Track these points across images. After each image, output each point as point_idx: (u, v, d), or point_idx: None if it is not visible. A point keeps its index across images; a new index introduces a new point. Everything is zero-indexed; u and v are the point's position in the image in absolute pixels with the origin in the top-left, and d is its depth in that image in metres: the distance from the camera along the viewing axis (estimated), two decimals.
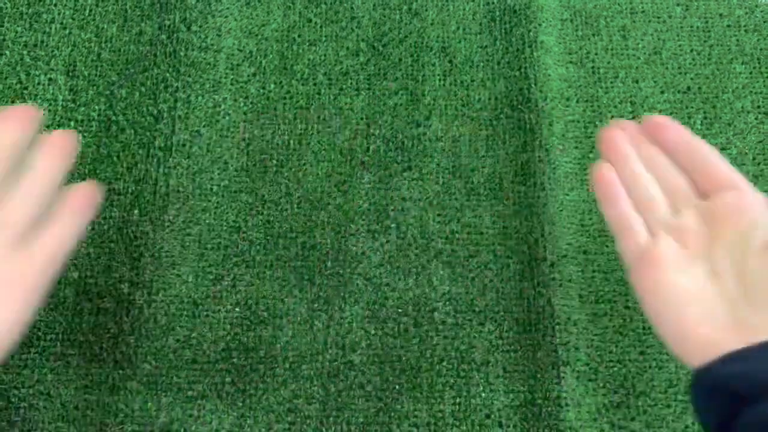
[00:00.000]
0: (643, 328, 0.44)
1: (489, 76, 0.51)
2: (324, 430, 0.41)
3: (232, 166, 0.47)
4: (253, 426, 0.41)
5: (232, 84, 0.50)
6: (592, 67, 0.52)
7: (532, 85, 0.50)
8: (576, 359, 0.43)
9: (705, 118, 0.51)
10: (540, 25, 0.52)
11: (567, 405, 0.42)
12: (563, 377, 0.43)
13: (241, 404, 0.42)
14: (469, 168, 0.48)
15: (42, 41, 0.49)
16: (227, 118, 0.49)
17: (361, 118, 0.49)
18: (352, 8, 0.53)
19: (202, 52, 0.50)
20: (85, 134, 0.47)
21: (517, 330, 0.44)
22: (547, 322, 0.44)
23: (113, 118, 0.48)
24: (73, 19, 0.50)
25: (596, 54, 0.53)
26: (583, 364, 0.43)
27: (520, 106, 0.50)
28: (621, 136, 0.32)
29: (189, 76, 0.49)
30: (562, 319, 0.44)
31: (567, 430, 0.41)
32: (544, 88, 0.50)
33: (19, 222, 0.28)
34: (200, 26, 0.51)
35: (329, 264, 0.45)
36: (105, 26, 0.50)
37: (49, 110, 0.48)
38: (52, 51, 0.49)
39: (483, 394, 0.42)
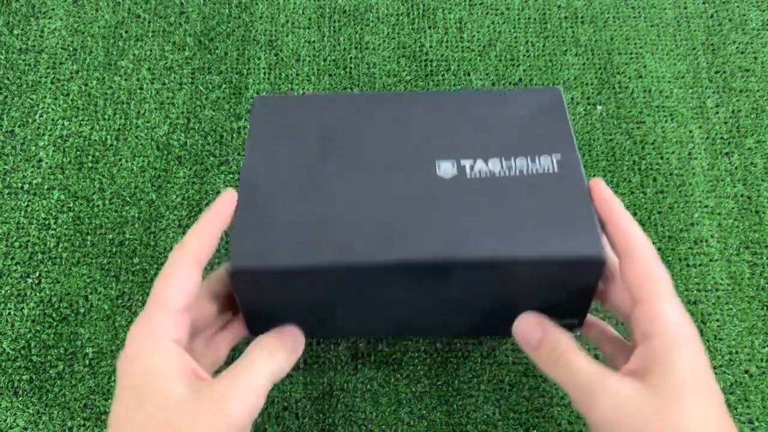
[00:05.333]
0: None
1: (314, 71, 0.51)
2: None
3: (46, 163, 0.47)
4: (48, 423, 0.41)
5: (52, 83, 0.49)
6: (425, 61, 0.52)
7: (354, 86, 0.50)
8: (377, 351, 0.43)
9: None
10: (367, 25, 0.52)
11: (364, 395, 0.42)
12: (361, 368, 0.43)
13: (37, 401, 0.42)
14: None
15: None
16: (44, 116, 0.48)
17: (182, 112, 0.49)
18: (181, 3, 0.52)
19: (22, 54, 0.50)
20: None
21: None
22: None
23: None
24: None
25: (430, 47, 0.53)
26: (385, 355, 0.43)
27: None
28: None
29: (7, 78, 0.49)
30: None
31: (362, 420, 0.41)
32: (366, 88, 0.50)
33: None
34: (23, 29, 0.51)
35: (136, 260, 0.45)
36: None
37: None
38: None
39: (282, 386, 0.42)
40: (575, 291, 0.34)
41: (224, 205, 0.33)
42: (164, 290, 0.31)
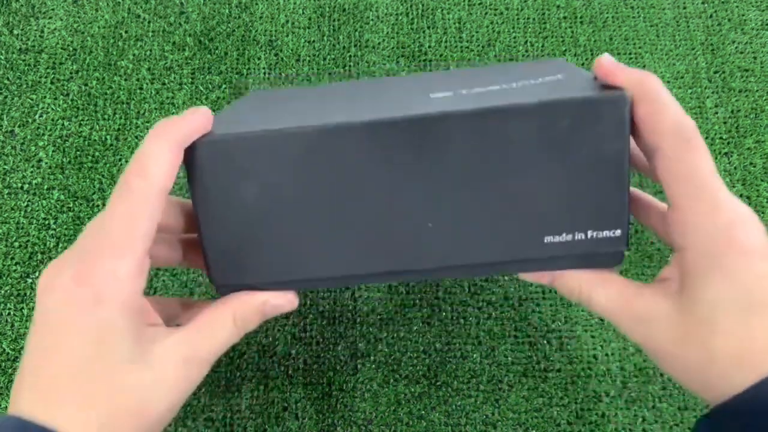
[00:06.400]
0: (451, 318, 0.44)
1: (314, 70, 0.51)
2: None
3: (46, 163, 0.47)
4: None
5: (52, 83, 0.49)
6: (424, 61, 0.52)
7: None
8: (377, 351, 0.43)
9: None
10: (367, 23, 0.52)
11: (363, 396, 0.42)
12: (360, 369, 0.43)
13: None
14: None
15: None
16: (44, 116, 0.49)
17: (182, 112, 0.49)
18: (181, 3, 0.52)
19: (22, 54, 0.50)
20: None
21: (321, 323, 0.44)
22: (350, 314, 0.44)
23: None
24: None
25: (429, 47, 0.53)
26: (384, 355, 0.43)
27: None
28: None
29: (7, 78, 0.49)
30: (365, 312, 0.44)
31: (361, 421, 0.42)
32: None
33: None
34: (23, 29, 0.51)
35: None
36: None
37: None
38: None
39: (281, 387, 0.42)
40: (601, 174, 0.28)
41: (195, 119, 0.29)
42: (129, 233, 0.27)
